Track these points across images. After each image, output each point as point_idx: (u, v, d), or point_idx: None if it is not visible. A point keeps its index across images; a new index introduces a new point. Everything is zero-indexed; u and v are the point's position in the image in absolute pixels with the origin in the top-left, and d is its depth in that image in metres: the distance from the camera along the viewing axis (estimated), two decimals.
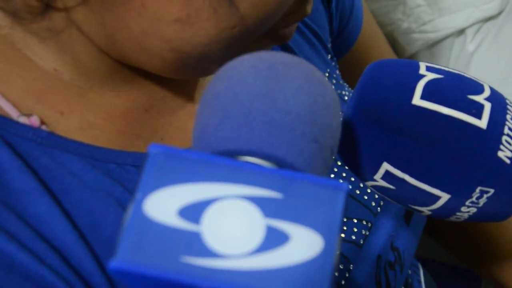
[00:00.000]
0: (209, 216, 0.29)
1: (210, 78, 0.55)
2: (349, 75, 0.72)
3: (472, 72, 0.90)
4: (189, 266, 0.28)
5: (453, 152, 0.41)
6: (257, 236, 0.29)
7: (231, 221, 0.29)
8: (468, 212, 0.44)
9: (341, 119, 0.35)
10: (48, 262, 0.41)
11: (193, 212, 0.29)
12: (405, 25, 0.93)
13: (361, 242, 0.56)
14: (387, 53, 0.80)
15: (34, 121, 0.46)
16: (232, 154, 0.32)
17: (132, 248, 0.29)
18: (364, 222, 0.57)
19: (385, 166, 0.43)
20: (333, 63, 0.67)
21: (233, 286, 0.28)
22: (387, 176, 0.43)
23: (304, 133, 0.32)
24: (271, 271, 0.28)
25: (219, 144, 0.32)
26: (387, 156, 0.42)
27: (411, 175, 0.42)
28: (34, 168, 0.44)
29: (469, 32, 0.91)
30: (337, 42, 0.71)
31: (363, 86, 0.44)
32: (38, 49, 0.47)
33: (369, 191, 0.58)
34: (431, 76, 0.43)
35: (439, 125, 0.41)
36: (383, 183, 0.44)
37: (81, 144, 0.46)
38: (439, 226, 0.83)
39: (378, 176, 0.44)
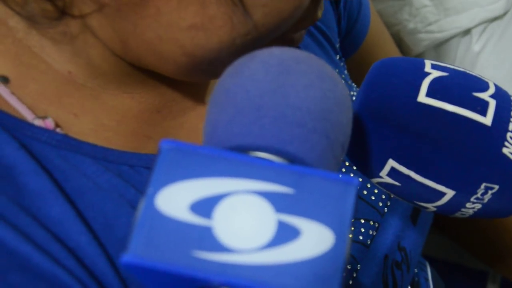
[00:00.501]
0: (221, 211, 0.29)
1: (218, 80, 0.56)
2: (356, 75, 0.72)
3: (478, 72, 0.89)
4: (201, 261, 0.28)
5: (458, 149, 0.41)
6: (268, 231, 0.29)
7: (243, 216, 0.29)
8: (473, 208, 0.44)
9: (351, 115, 0.35)
10: (63, 262, 0.41)
11: (205, 207, 0.29)
12: (411, 25, 0.93)
13: (368, 242, 0.56)
14: (394, 53, 0.80)
15: (49, 123, 0.46)
16: (243, 149, 0.32)
17: (144, 243, 0.29)
18: (371, 223, 0.57)
19: (391, 163, 0.43)
20: (342, 64, 0.67)
21: (244, 281, 0.28)
22: (393, 172, 0.43)
23: (315, 128, 0.32)
24: (282, 266, 0.29)
25: (230, 140, 0.32)
26: (393, 153, 0.43)
27: (417, 172, 0.42)
28: (49, 170, 0.44)
29: (475, 32, 0.92)
30: (345, 42, 0.71)
31: (369, 83, 0.44)
32: (53, 52, 0.47)
33: (376, 191, 0.58)
34: (436, 73, 0.43)
35: (444, 122, 0.42)
36: (389, 180, 0.44)
37: (94, 146, 0.47)
38: (450, 221, 0.83)
39: (384, 173, 0.44)
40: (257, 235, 0.29)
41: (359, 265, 0.54)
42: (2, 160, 0.43)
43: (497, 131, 0.42)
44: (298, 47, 0.61)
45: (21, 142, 0.44)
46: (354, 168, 0.57)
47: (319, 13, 0.47)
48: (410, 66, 0.44)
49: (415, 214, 0.62)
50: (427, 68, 0.44)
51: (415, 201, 0.45)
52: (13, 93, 0.46)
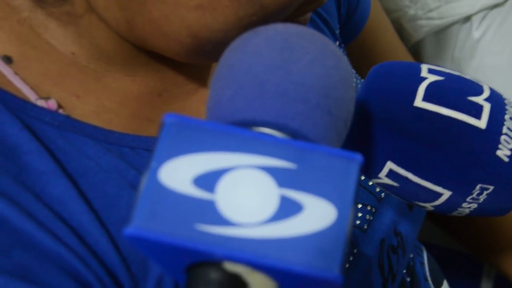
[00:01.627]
0: (224, 185, 0.29)
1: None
2: (355, 62, 0.72)
3: (478, 59, 0.90)
4: (203, 234, 0.29)
5: (454, 151, 0.43)
6: (271, 205, 0.29)
7: (245, 190, 0.29)
8: (469, 207, 0.45)
9: (355, 92, 0.35)
10: (65, 241, 0.42)
11: (208, 181, 0.29)
12: (411, 11, 0.93)
13: (365, 227, 0.56)
14: (394, 40, 0.80)
15: (52, 104, 0.46)
16: (246, 124, 0.32)
17: (147, 216, 0.29)
18: (369, 207, 0.57)
19: (389, 165, 0.44)
20: (341, 50, 0.67)
21: (246, 254, 0.28)
22: (391, 174, 0.45)
23: (318, 104, 0.32)
24: (284, 240, 0.29)
25: (234, 115, 0.32)
26: (391, 156, 0.44)
27: (414, 173, 0.44)
28: (51, 150, 0.44)
29: (475, 19, 0.91)
30: (344, 28, 0.71)
31: (367, 88, 0.46)
32: (57, 32, 0.47)
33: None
34: (432, 78, 0.45)
35: (440, 126, 0.43)
36: (387, 181, 0.45)
37: (96, 128, 0.47)
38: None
39: (382, 174, 0.45)
40: (259, 209, 0.29)
41: (355, 249, 0.55)
42: (6, 139, 0.43)
43: (491, 134, 0.43)
44: None
45: (24, 122, 0.44)
46: None
47: None
48: (407, 71, 0.46)
49: None
50: (424, 73, 0.45)
51: (413, 201, 0.46)
52: (16, 73, 0.46)
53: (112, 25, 0.46)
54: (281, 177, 0.30)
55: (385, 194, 0.59)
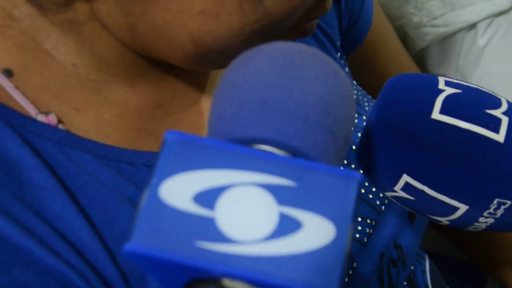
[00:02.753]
0: (224, 203, 0.30)
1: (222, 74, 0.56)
2: (358, 72, 0.72)
3: (483, 67, 0.90)
4: (203, 251, 0.29)
5: (471, 165, 0.42)
6: (270, 223, 0.29)
7: (245, 207, 0.30)
8: (486, 222, 0.45)
9: (355, 110, 0.36)
10: (65, 257, 0.42)
11: (208, 198, 0.30)
12: (416, 19, 0.93)
13: (365, 240, 0.56)
14: (397, 48, 0.80)
15: (52, 119, 0.46)
16: (247, 142, 0.32)
17: (147, 232, 0.29)
18: (369, 221, 0.57)
19: (405, 178, 0.44)
20: (343, 61, 0.67)
21: (245, 271, 0.29)
22: (407, 187, 0.44)
23: (318, 123, 0.32)
24: (283, 258, 0.29)
25: (235, 132, 0.32)
26: (407, 168, 0.44)
27: (430, 187, 0.43)
28: (51, 166, 0.45)
29: (480, 27, 0.91)
30: (346, 39, 0.71)
31: (383, 99, 0.45)
32: (58, 42, 0.48)
33: (374, 189, 0.59)
34: (449, 90, 0.44)
35: (457, 139, 0.43)
36: (403, 194, 0.45)
37: (95, 143, 0.47)
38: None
39: (398, 187, 0.45)
40: (259, 226, 0.29)
41: (355, 263, 0.55)
42: (6, 155, 0.43)
43: (509, 148, 0.43)
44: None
45: (25, 137, 0.45)
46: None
47: (328, 5, 0.47)
48: (424, 83, 0.45)
49: (412, 213, 0.63)
50: (441, 85, 0.45)
51: (428, 215, 0.46)
52: (17, 87, 0.47)
53: (114, 31, 0.46)
54: (280, 194, 0.30)
55: (385, 207, 0.59)
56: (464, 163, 0.42)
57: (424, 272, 0.68)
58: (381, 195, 0.59)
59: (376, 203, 0.58)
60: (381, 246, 0.57)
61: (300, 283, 0.28)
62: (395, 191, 0.45)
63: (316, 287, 0.28)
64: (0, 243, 0.40)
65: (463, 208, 0.43)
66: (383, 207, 0.58)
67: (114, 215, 0.45)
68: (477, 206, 0.43)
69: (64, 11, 0.46)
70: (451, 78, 0.46)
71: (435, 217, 0.46)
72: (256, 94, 0.32)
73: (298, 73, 0.33)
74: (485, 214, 0.44)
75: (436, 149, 0.43)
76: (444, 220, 0.45)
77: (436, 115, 0.43)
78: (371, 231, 0.57)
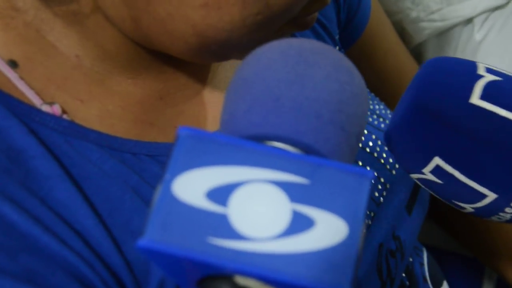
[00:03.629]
0: (236, 199, 0.30)
1: (224, 67, 0.56)
2: (356, 65, 0.72)
3: (479, 61, 0.90)
4: (215, 247, 0.29)
5: (506, 154, 0.42)
6: (283, 220, 0.29)
7: (258, 204, 0.30)
8: (511, 213, 0.44)
9: (368, 107, 0.36)
10: (71, 244, 0.42)
11: (221, 194, 0.30)
12: (413, 14, 0.93)
13: (364, 231, 0.56)
14: (395, 44, 0.80)
15: (56, 109, 0.47)
16: (260, 139, 0.32)
17: (160, 228, 0.29)
18: (368, 212, 0.57)
19: (436, 161, 0.43)
20: None
21: (258, 269, 0.29)
22: (437, 170, 0.44)
23: (331, 120, 0.32)
24: (295, 255, 0.29)
25: (247, 129, 0.32)
26: (440, 151, 0.43)
27: (461, 172, 0.43)
28: (56, 155, 0.45)
29: (477, 21, 0.91)
30: (344, 32, 0.71)
31: (420, 82, 0.45)
32: (62, 34, 0.48)
33: (372, 181, 0.59)
34: (490, 77, 0.44)
35: (495, 126, 0.42)
36: (431, 177, 0.44)
37: (99, 134, 0.48)
38: (446, 215, 0.84)
39: (427, 169, 0.44)
40: (271, 224, 0.29)
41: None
42: (12, 144, 0.44)
43: None
44: (296, 37, 0.61)
45: (30, 127, 0.45)
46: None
47: None
48: (464, 68, 0.45)
49: (411, 205, 0.63)
50: (481, 71, 0.44)
51: (453, 201, 0.45)
52: (21, 78, 0.47)
53: (118, 23, 0.46)
54: (293, 192, 0.30)
55: (384, 199, 0.59)
56: (499, 150, 0.42)
57: (422, 264, 0.68)
58: (380, 187, 0.59)
59: (375, 194, 0.58)
60: (379, 237, 0.57)
61: (313, 281, 0.28)
62: (423, 173, 0.44)
63: (329, 285, 0.29)
64: (8, 230, 0.41)
65: (491, 196, 0.43)
66: (381, 198, 0.59)
67: (118, 204, 0.46)
68: (506, 196, 0.43)
69: (68, 3, 0.46)
70: (491, 65, 0.46)
71: (460, 203, 0.45)
72: (268, 91, 0.32)
73: (311, 70, 0.33)
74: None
75: (472, 134, 0.42)
76: (468, 207, 0.45)
77: (475, 100, 0.42)
78: (369, 223, 0.57)
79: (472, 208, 0.45)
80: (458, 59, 0.47)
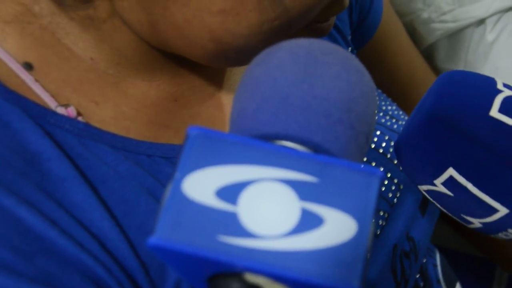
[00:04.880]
0: (246, 198, 0.30)
1: (239, 69, 0.57)
2: (367, 67, 0.72)
3: (491, 62, 0.90)
4: (225, 245, 0.29)
5: None
6: (292, 218, 0.30)
7: (267, 203, 0.30)
8: None
9: (377, 106, 0.36)
10: (87, 247, 0.42)
11: (231, 193, 0.30)
12: (425, 15, 0.93)
13: (378, 232, 0.57)
14: (406, 45, 0.80)
15: (71, 112, 0.47)
16: (269, 138, 0.32)
17: (171, 226, 0.29)
18: (381, 213, 0.57)
19: (450, 172, 0.43)
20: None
21: (267, 266, 0.29)
22: (450, 182, 0.43)
23: (340, 119, 0.32)
24: (305, 253, 0.29)
25: (257, 128, 0.33)
26: (455, 162, 0.43)
27: (475, 184, 0.43)
28: (72, 157, 0.45)
29: (489, 22, 0.91)
30: (356, 33, 0.71)
31: (439, 92, 0.45)
32: (77, 38, 0.48)
33: (386, 182, 0.59)
34: (508, 92, 0.44)
35: None
36: (442, 189, 0.44)
37: (114, 135, 0.48)
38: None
39: (439, 181, 0.44)
40: (281, 222, 0.30)
41: (368, 254, 0.55)
42: (28, 147, 0.44)
43: None
44: None
45: (45, 129, 0.45)
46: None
47: (346, 1, 0.48)
48: (483, 81, 0.45)
49: (424, 205, 0.63)
50: (500, 86, 0.44)
51: (462, 214, 0.45)
52: (37, 80, 0.47)
53: (135, 27, 0.46)
54: (302, 190, 0.30)
55: (397, 200, 0.59)
56: None
57: (435, 265, 0.68)
58: (393, 187, 0.59)
59: (388, 195, 0.58)
60: (393, 238, 0.57)
61: (322, 278, 0.29)
62: (434, 185, 0.44)
63: (338, 282, 0.29)
64: (25, 233, 0.41)
65: (502, 211, 0.43)
66: (395, 199, 0.59)
67: (133, 206, 0.46)
68: None
69: (85, 8, 0.46)
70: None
71: (468, 218, 0.45)
72: (278, 90, 0.33)
73: (320, 69, 0.33)
74: None
75: (490, 147, 0.42)
76: (477, 222, 0.45)
77: (494, 113, 0.42)
78: (384, 223, 0.57)
79: (481, 223, 0.44)
80: (477, 74, 0.47)
